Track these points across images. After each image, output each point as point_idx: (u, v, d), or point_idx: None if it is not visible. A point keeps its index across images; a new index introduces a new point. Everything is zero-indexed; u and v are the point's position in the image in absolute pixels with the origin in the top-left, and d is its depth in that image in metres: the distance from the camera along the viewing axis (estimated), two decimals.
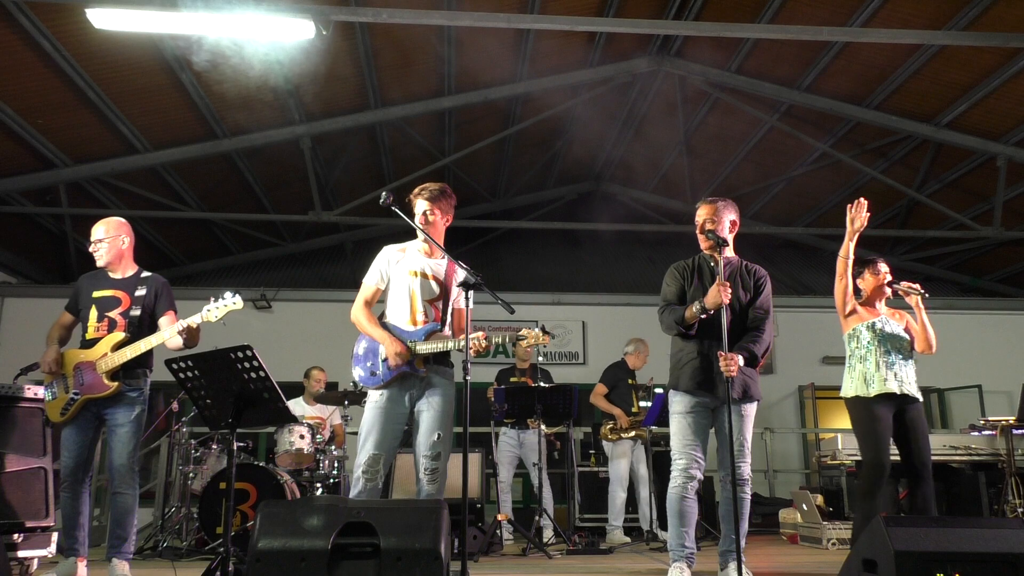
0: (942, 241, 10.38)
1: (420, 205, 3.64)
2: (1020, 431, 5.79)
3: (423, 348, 3.47)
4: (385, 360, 3.48)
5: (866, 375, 4.19)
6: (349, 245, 11.31)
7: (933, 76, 7.51)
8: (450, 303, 3.66)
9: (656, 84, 8.99)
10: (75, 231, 8.92)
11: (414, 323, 3.54)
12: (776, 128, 8.91)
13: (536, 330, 3.49)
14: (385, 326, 3.56)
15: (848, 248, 4.21)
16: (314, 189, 8.56)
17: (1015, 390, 6.46)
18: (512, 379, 6.47)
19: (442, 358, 3.60)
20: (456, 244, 10.73)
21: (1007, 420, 5.87)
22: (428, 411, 3.49)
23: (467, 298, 3.38)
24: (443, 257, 3.69)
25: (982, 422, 6.13)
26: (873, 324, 4.29)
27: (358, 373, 3.55)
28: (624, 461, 6.49)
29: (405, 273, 3.61)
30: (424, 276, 3.61)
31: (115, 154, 7.99)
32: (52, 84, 6.70)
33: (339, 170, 9.43)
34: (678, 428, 3.66)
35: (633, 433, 6.44)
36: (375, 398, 3.49)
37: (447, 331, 3.62)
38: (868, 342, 4.26)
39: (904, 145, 8.86)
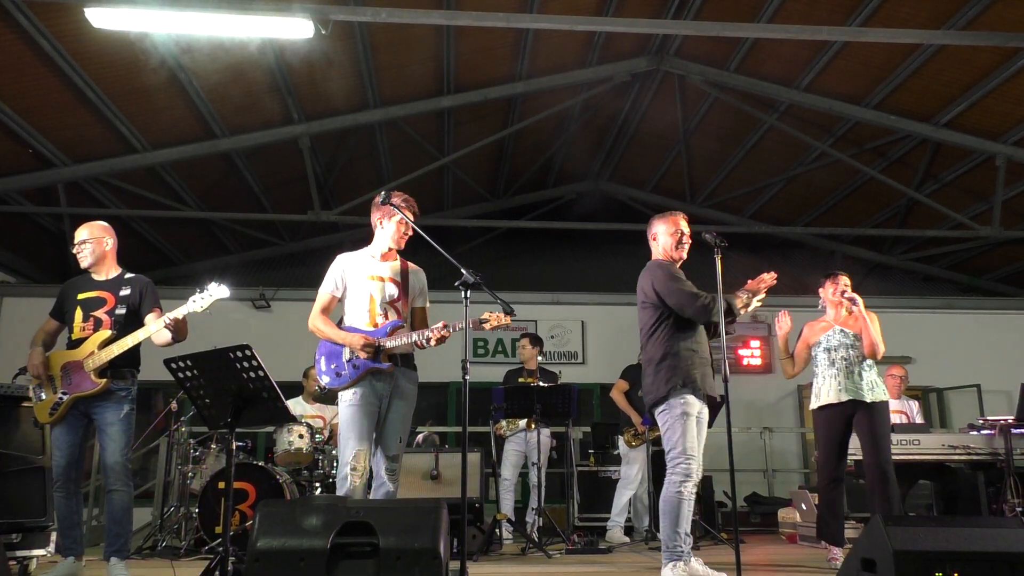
0: (941, 241, 10.38)
1: (399, 215, 3.69)
2: (1019, 430, 5.78)
3: (389, 343, 3.54)
4: (349, 360, 3.55)
5: (815, 389, 4.74)
6: (348, 245, 11.27)
7: (932, 75, 7.52)
8: (409, 304, 3.74)
9: (655, 83, 9.00)
10: (74, 231, 8.89)
11: (374, 325, 3.61)
12: (775, 127, 8.92)
13: (498, 312, 3.52)
14: (345, 331, 3.62)
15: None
16: (313, 188, 8.56)
17: (1014, 389, 6.45)
18: (520, 379, 6.48)
19: (408, 360, 3.68)
20: (455, 244, 10.77)
21: (1006, 419, 5.86)
22: (393, 413, 3.58)
23: (466, 297, 3.40)
24: (397, 259, 3.79)
25: (981, 421, 6.13)
26: (819, 343, 4.80)
27: (325, 379, 3.64)
28: (638, 465, 6.53)
29: (363, 278, 3.68)
30: (381, 279, 3.69)
31: (114, 153, 7.98)
32: (51, 83, 6.69)
33: (338, 169, 9.43)
34: (686, 431, 3.71)
35: (648, 438, 6.45)
36: (347, 398, 3.55)
37: (408, 329, 3.67)
38: (816, 358, 4.80)
39: (903, 144, 8.86)
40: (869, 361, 4.64)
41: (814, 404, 4.73)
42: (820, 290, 4.91)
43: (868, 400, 4.54)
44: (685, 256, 4.06)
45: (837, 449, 4.60)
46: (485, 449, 6.45)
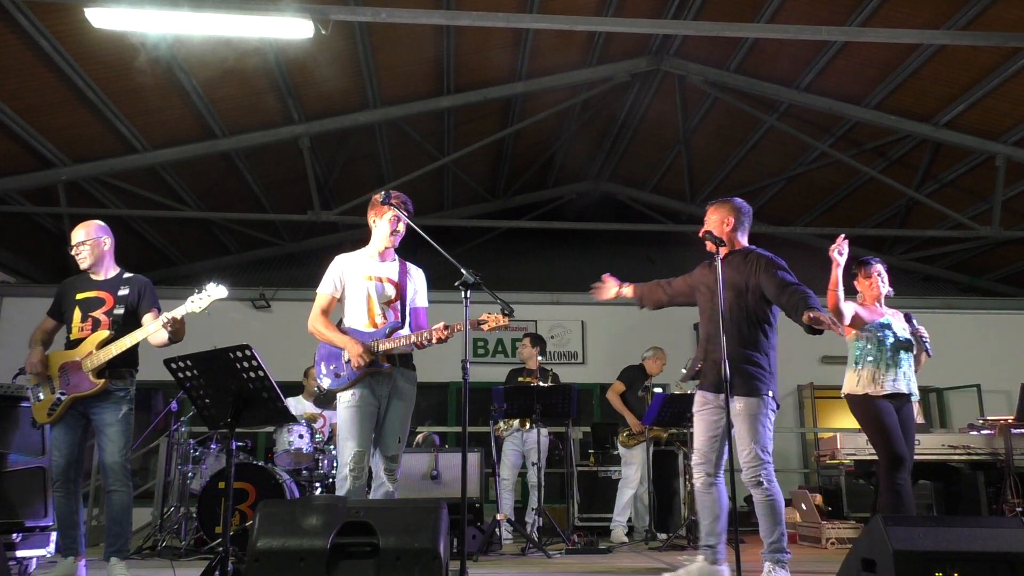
0: (941, 241, 10.38)
1: (391, 212, 3.69)
2: (1019, 430, 5.79)
3: (386, 345, 3.54)
4: (347, 361, 3.55)
5: (875, 375, 4.31)
6: (348, 245, 11.26)
7: (932, 75, 7.52)
8: (407, 304, 3.74)
9: (655, 83, 9.00)
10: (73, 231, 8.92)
11: (373, 325, 3.62)
12: (775, 128, 8.92)
13: (496, 313, 3.51)
14: (344, 332, 3.63)
15: (835, 280, 4.07)
16: (313, 189, 8.56)
17: (1014, 389, 6.46)
18: (520, 379, 6.50)
19: (406, 360, 3.68)
20: (455, 244, 10.78)
21: (1006, 419, 5.86)
22: (392, 414, 3.58)
23: (466, 297, 3.40)
24: (395, 259, 3.79)
25: (981, 421, 6.13)
26: (880, 324, 4.40)
27: (325, 382, 3.64)
28: (636, 467, 6.59)
29: (360, 279, 3.69)
30: (379, 280, 3.69)
31: (114, 153, 7.98)
32: (51, 83, 6.69)
33: (338, 169, 9.43)
34: (694, 426, 3.83)
35: (648, 437, 6.50)
36: (346, 399, 3.55)
37: (407, 330, 3.68)
38: (877, 342, 4.36)
39: (903, 144, 8.86)
40: None
41: (873, 391, 4.27)
42: (855, 283, 4.55)
43: (916, 398, 4.42)
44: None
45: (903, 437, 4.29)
46: (485, 449, 6.45)
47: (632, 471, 6.57)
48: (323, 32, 5.65)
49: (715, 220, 3.89)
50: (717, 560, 3.69)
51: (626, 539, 6.42)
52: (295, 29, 5.58)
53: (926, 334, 4.48)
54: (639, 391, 6.71)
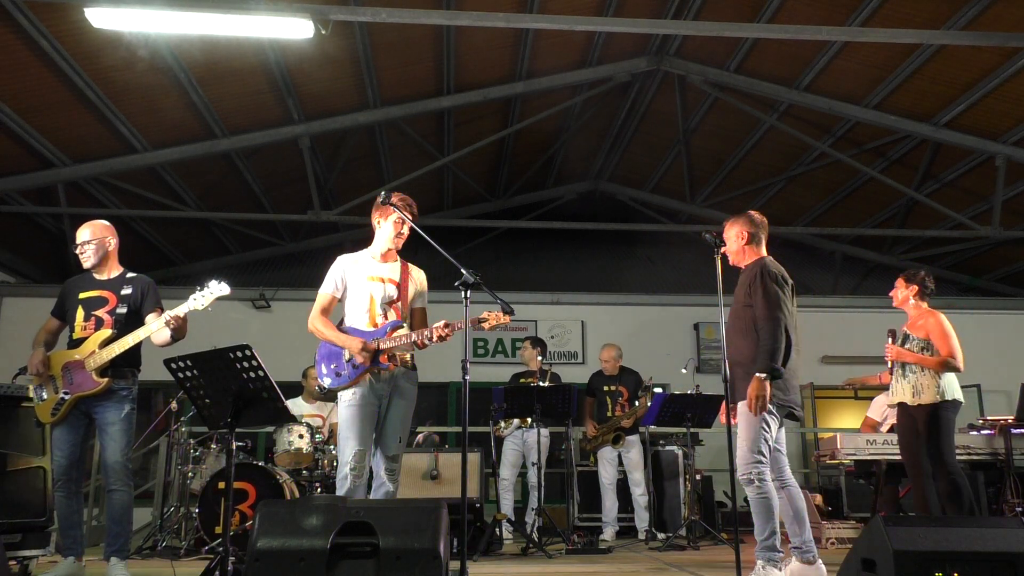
0: (941, 241, 10.38)
1: (396, 214, 3.69)
2: (1019, 430, 5.78)
3: (387, 344, 3.54)
4: (349, 360, 3.56)
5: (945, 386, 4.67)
6: (348, 245, 11.30)
7: (932, 75, 7.51)
8: (409, 305, 3.75)
9: (655, 83, 9.00)
10: (74, 231, 8.87)
11: (374, 325, 3.63)
12: (775, 128, 8.92)
13: (496, 311, 3.50)
14: (345, 331, 3.64)
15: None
16: (313, 189, 8.56)
17: (1014, 389, 6.46)
18: (522, 380, 6.54)
19: (407, 360, 3.69)
20: (455, 244, 10.77)
21: (1006, 419, 5.86)
22: (393, 413, 3.59)
23: (466, 297, 3.40)
24: (397, 260, 3.80)
25: (981, 421, 6.13)
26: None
27: (326, 381, 3.64)
28: (604, 471, 6.75)
29: (363, 279, 3.70)
30: (381, 281, 3.71)
31: (114, 153, 7.98)
32: (51, 83, 6.69)
33: (338, 170, 9.43)
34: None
35: (611, 436, 6.59)
36: (347, 398, 3.56)
37: (407, 329, 3.69)
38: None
39: (903, 145, 8.86)
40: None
41: (946, 395, 4.65)
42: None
43: (917, 401, 4.70)
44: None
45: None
46: (485, 449, 6.45)
47: (602, 474, 6.75)
48: (323, 32, 5.65)
49: (732, 235, 4.01)
50: (810, 560, 3.64)
51: (609, 540, 6.45)
52: (295, 29, 5.58)
53: (886, 351, 4.80)
54: (600, 396, 6.86)
